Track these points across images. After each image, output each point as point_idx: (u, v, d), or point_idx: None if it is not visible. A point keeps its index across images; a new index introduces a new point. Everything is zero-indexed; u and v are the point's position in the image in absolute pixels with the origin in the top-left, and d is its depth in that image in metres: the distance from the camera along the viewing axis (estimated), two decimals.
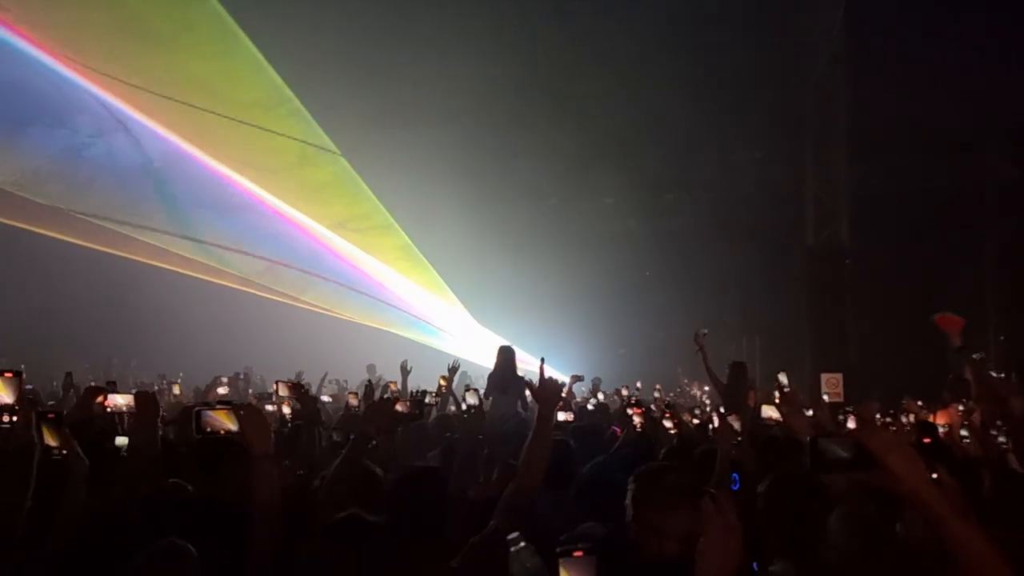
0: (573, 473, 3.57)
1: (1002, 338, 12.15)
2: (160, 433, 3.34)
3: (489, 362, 8.06)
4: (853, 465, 1.61)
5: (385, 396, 6.16)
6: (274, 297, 15.92)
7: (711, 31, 11.41)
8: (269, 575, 2.38)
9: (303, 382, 7.06)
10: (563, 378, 8.35)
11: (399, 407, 3.51)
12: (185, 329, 14.26)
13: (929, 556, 2.21)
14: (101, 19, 11.25)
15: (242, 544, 2.42)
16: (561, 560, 1.70)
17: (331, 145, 13.78)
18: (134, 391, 4.31)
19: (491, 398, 7.28)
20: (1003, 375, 5.47)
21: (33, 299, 13.52)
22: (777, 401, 4.44)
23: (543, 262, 14.72)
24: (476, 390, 4.94)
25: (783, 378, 6.97)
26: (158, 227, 14.09)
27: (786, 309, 13.32)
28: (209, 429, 2.76)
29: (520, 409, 7.33)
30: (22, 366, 6.48)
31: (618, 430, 4.94)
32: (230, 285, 15.39)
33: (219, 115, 12.82)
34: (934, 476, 2.10)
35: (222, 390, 8.19)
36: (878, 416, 6.11)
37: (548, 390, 2.82)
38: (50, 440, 2.67)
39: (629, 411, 4.71)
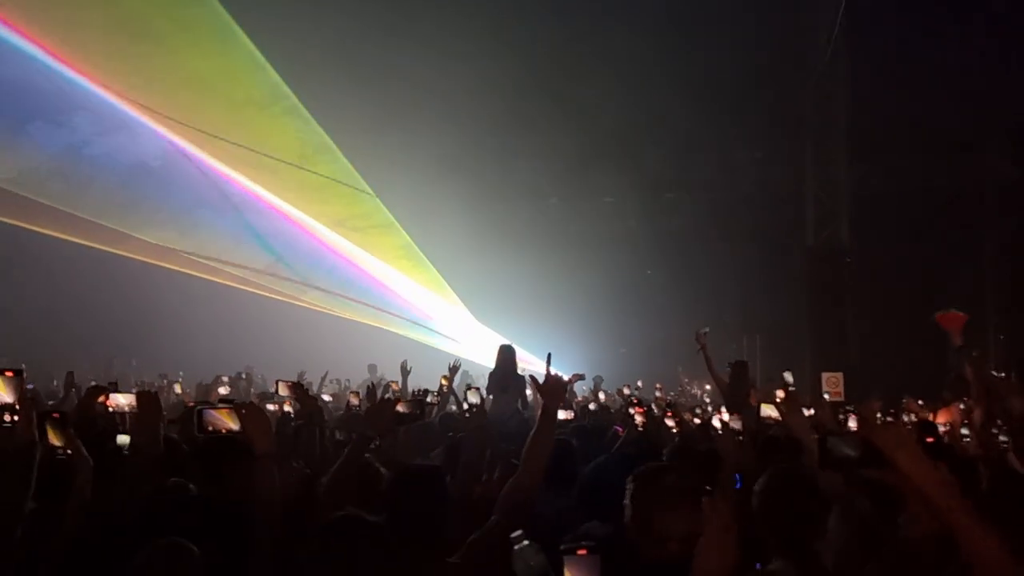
0: (575, 472, 3.57)
1: (1002, 337, 12.16)
2: (162, 432, 3.34)
3: (490, 361, 8.07)
4: (861, 463, 1.62)
5: (387, 396, 6.18)
6: (275, 296, 15.93)
7: (711, 31, 11.41)
8: (270, 574, 2.39)
9: (304, 382, 7.07)
10: (564, 377, 8.36)
11: (400, 407, 3.52)
12: (186, 328, 14.26)
13: (929, 556, 2.21)
14: (99, 17, 11.25)
15: (244, 543, 2.43)
16: (565, 558, 1.70)
17: (332, 145, 13.79)
18: (134, 390, 4.33)
19: (491, 397, 7.29)
20: (1003, 374, 5.48)
21: (33, 298, 13.53)
22: (779, 400, 4.45)
23: (543, 261, 14.73)
24: (478, 389, 4.95)
25: (788, 376, 6.99)
26: (158, 226, 14.10)
27: (786, 309, 13.33)
28: (211, 428, 2.77)
29: (520, 408, 7.34)
30: (23, 365, 6.48)
31: (620, 430, 4.94)
32: (231, 284, 15.40)
33: (220, 114, 12.83)
34: None
35: (223, 390, 8.19)
36: (879, 415, 6.11)
37: (552, 387, 2.82)
38: (54, 440, 2.68)
39: (631, 410, 4.72)
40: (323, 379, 9.57)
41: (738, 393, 7.03)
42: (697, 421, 5.74)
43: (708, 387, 11.17)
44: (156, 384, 9.71)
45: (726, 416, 4.94)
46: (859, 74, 11.93)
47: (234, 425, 2.70)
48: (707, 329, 7.72)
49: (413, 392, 6.38)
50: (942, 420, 5.57)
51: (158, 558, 2.21)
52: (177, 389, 8.92)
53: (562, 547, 1.73)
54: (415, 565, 2.33)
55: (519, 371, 7.69)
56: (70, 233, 13.27)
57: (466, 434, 3.73)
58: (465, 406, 4.49)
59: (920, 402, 6.67)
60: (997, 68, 10.98)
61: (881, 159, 13.10)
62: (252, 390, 9.31)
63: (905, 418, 5.97)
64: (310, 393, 5.19)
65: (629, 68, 12.04)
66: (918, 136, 12.28)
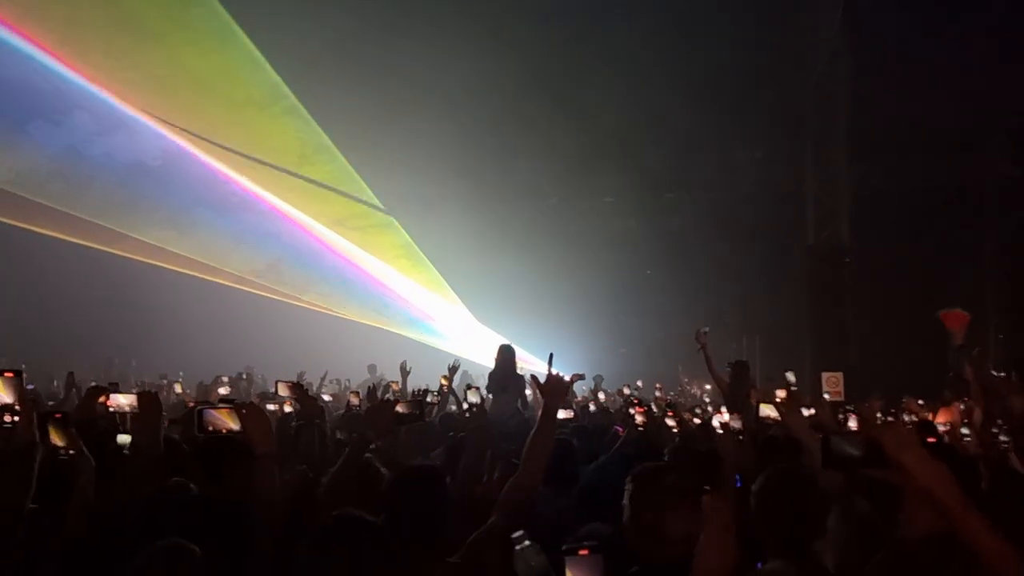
0: (575, 472, 3.57)
1: (1001, 337, 12.15)
2: (163, 433, 3.34)
3: (489, 361, 8.07)
4: (865, 462, 1.62)
5: (387, 396, 6.18)
6: (275, 296, 15.93)
7: (711, 30, 11.41)
8: (270, 574, 2.38)
9: (303, 382, 7.07)
10: (566, 378, 8.35)
11: (400, 408, 3.52)
12: (185, 329, 14.26)
13: (928, 556, 2.21)
14: (98, 17, 11.25)
15: (244, 543, 2.43)
16: (567, 558, 1.70)
17: (331, 145, 13.80)
18: (135, 391, 4.33)
19: (491, 396, 7.30)
20: (1003, 374, 5.48)
21: (33, 299, 13.53)
22: (779, 400, 4.45)
23: (543, 261, 14.73)
24: (477, 388, 4.95)
25: (791, 376, 6.99)
26: (157, 226, 14.09)
27: (786, 309, 13.33)
28: (211, 428, 2.77)
29: (520, 407, 7.34)
30: (23, 365, 6.48)
31: (620, 430, 4.94)
32: (231, 284, 15.40)
33: (218, 112, 12.83)
34: None
35: (223, 390, 8.19)
36: (879, 415, 6.11)
37: (554, 387, 2.82)
38: (57, 440, 2.68)
39: (631, 410, 4.72)
40: (323, 379, 9.58)
41: (738, 393, 7.03)
42: (697, 421, 5.74)
43: (708, 387, 11.17)
44: (156, 384, 9.71)
45: (726, 416, 4.94)
46: (859, 74, 11.92)
47: (234, 425, 2.70)
48: (707, 329, 7.72)
49: (413, 392, 6.38)
50: (942, 419, 5.57)
51: (159, 558, 2.21)
52: (177, 389, 8.92)
53: (564, 547, 1.72)
54: (415, 565, 2.32)
55: (519, 371, 7.69)
56: (69, 233, 13.28)
57: (467, 434, 3.72)
58: (465, 406, 4.49)
59: (920, 402, 6.67)
60: (997, 67, 10.98)
61: (881, 159, 13.09)
62: (253, 390, 9.31)
63: (906, 418, 5.97)
64: (310, 393, 5.19)
65: (629, 68, 12.04)
66: (918, 136, 12.27)
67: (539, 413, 2.80)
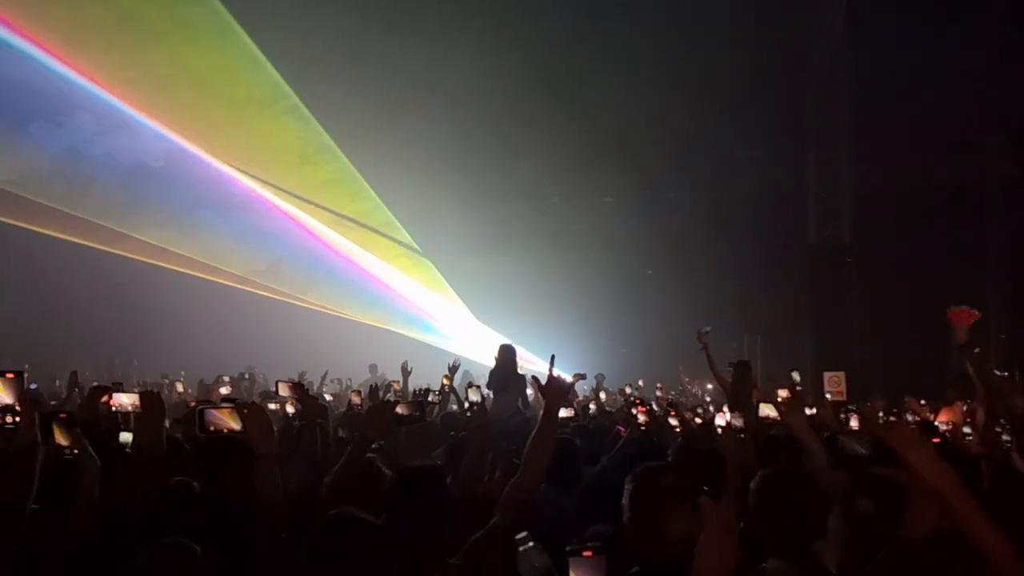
0: (577, 472, 3.57)
1: (1003, 337, 12.13)
2: (166, 432, 3.34)
3: (490, 360, 8.07)
4: (872, 461, 1.61)
5: (388, 396, 6.18)
6: (276, 296, 15.94)
7: (712, 30, 11.41)
8: (271, 574, 2.38)
9: (304, 381, 7.07)
10: (566, 377, 8.35)
11: (400, 409, 3.51)
12: (187, 328, 14.27)
13: (930, 556, 2.21)
14: (98, 16, 11.25)
15: (245, 543, 2.43)
16: (570, 560, 1.70)
17: (332, 145, 13.80)
18: (137, 390, 4.33)
19: (492, 395, 7.29)
20: (1006, 373, 5.47)
21: (35, 299, 13.54)
22: (781, 399, 4.44)
23: (544, 261, 14.74)
24: (479, 387, 4.95)
25: (796, 376, 6.98)
26: (159, 226, 14.10)
27: (787, 308, 13.32)
28: (212, 428, 2.77)
29: (521, 407, 7.33)
30: (26, 366, 6.49)
31: (622, 429, 4.94)
32: (232, 284, 15.41)
33: (219, 112, 12.83)
34: None
35: (224, 390, 8.19)
36: (880, 415, 6.10)
37: (555, 388, 2.82)
38: (61, 440, 2.68)
39: (633, 410, 4.72)
40: (323, 378, 9.57)
41: (741, 392, 7.02)
42: (698, 421, 5.74)
43: (710, 386, 11.17)
44: (157, 384, 9.71)
45: (729, 415, 4.94)
46: (860, 73, 11.92)
47: (235, 425, 2.70)
48: (709, 328, 7.71)
49: (414, 391, 6.37)
50: (944, 419, 5.56)
51: (160, 557, 2.21)
52: (179, 388, 8.92)
53: (567, 548, 1.72)
54: (416, 566, 2.32)
55: (519, 371, 7.69)
56: (71, 234, 13.29)
57: (468, 434, 3.72)
58: (466, 404, 4.49)
59: (922, 402, 6.66)
60: (999, 66, 10.97)
61: (882, 158, 13.06)
62: (255, 390, 9.31)
63: (910, 417, 5.97)
64: (311, 393, 5.19)
65: (630, 67, 12.05)
66: (919, 135, 12.25)
67: (540, 413, 2.80)
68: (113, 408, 3.72)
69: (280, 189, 14.74)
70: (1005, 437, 4.14)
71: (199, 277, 14.93)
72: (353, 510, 2.13)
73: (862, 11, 11.31)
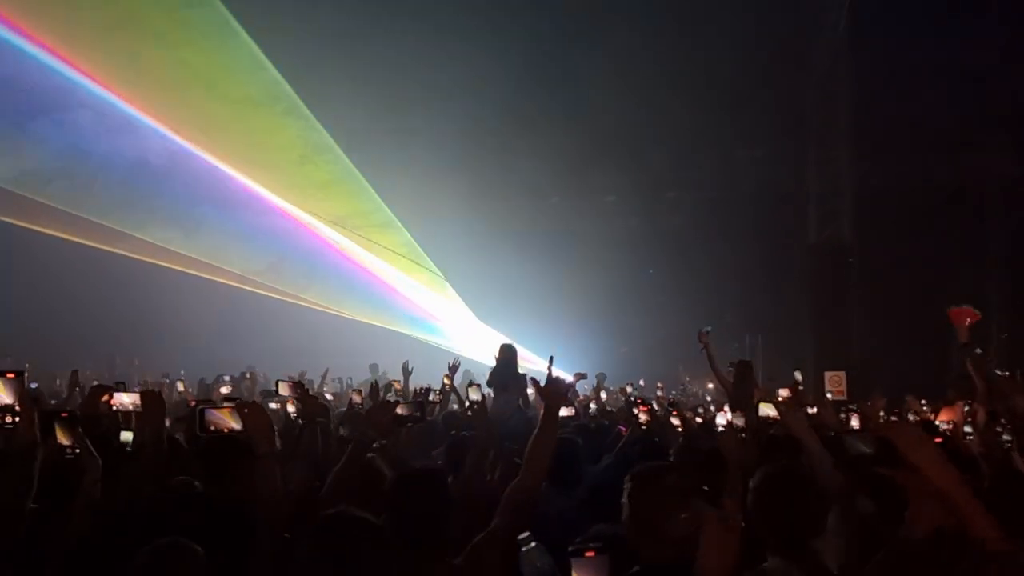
0: (579, 471, 3.57)
1: (1005, 336, 12.13)
2: (167, 432, 3.35)
3: (491, 360, 8.07)
4: (876, 461, 1.61)
5: (389, 395, 6.19)
6: (277, 296, 15.94)
7: (714, 29, 11.41)
8: (271, 574, 2.38)
9: (304, 381, 7.06)
10: (566, 376, 8.36)
11: (401, 409, 3.51)
12: (187, 327, 14.28)
13: (930, 555, 2.21)
14: (97, 14, 11.24)
15: (245, 543, 2.43)
16: (573, 560, 1.70)
17: (332, 143, 13.80)
18: (137, 389, 4.33)
19: (492, 394, 7.29)
20: (1007, 373, 5.47)
21: (36, 298, 13.54)
22: (782, 399, 4.44)
23: (544, 260, 14.73)
24: (479, 385, 4.96)
25: (798, 376, 6.98)
26: (159, 225, 14.10)
27: (788, 308, 13.32)
28: (213, 428, 2.77)
29: (522, 406, 7.32)
30: (26, 365, 6.49)
31: (623, 429, 4.94)
32: (233, 284, 15.41)
33: (220, 111, 12.83)
34: None
35: (225, 389, 8.19)
36: (881, 414, 6.10)
37: (554, 390, 2.82)
38: (63, 439, 2.68)
39: (635, 410, 4.72)
40: (323, 377, 9.57)
41: (742, 392, 7.01)
42: (699, 420, 5.74)
43: (711, 385, 11.16)
44: (158, 383, 9.71)
45: (730, 415, 4.94)
46: (861, 73, 11.92)
47: (235, 425, 2.70)
48: (710, 328, 7.71)
49: (414, 391, 6.38)
50: (945, 418, 5.55)
51: (160, 557, 2.21)
52: (180, 388, 8.93)
53: (570, 549, 1.72)
54: (417, 567, 2.32)
55: (520, 370, 7.68)
56: (71, 233, 13.29)
57: (470, 434, 3.72)
58: (467, 403, 4.49)
59: (923, 401, 6.65)
60: (999, 66, 10.96)
61: (883, 158, 13.08)
62: (256, 390, 9.32)
63: (911, 417, 5.96)
64: (311, 392, 5.18)
65: (631, 67, 12.04)
66: (920, 135, 12.26)
67: (540, 413, 2.80)
68: (114, 407, 3.72)
69: (280, 188, 14.74)
70: (1006, 437, 4.14)
71: (200, 276, 14.93)
72: (351, 509, 2.12)
73: (862, 11, 11.31)
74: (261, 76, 12.53)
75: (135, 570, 2.16)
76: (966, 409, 5.13)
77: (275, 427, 2.76)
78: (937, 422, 5.52)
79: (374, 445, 3.15)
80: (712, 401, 10.04)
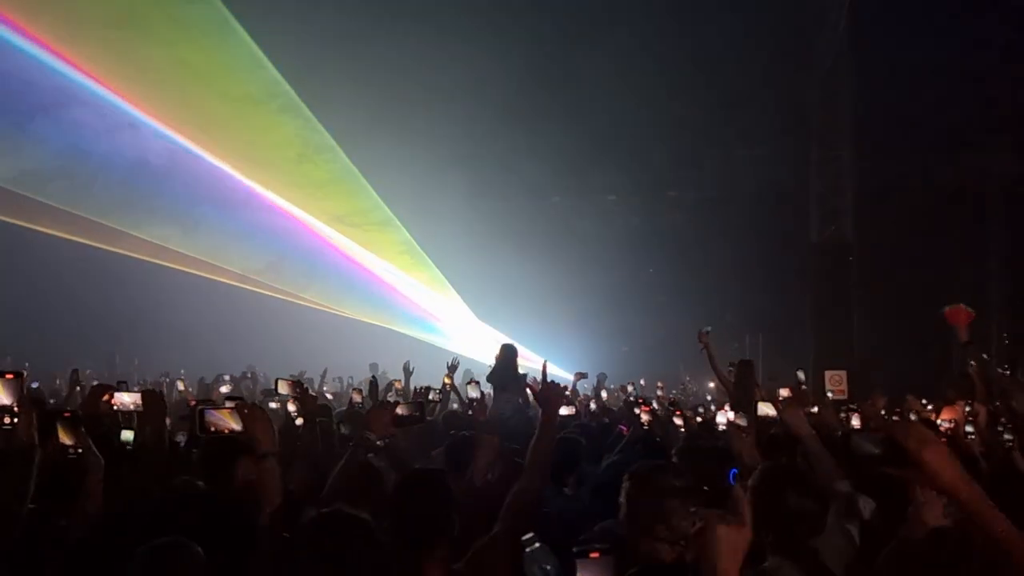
0: (582, 471, 3.56)
1: (1006, 335, 12.14)
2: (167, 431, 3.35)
3: (491, 359, 8.07)
4: (883, 460, 1.59)
5: (389, 395, 6.18)
6: (277, 295, 15.94)
7: (714, 29, 11.40)
8: (271, 574, 2.38)
9: (303, 380, 7.06)
10: (566, 376, 8.36)
11: (400, 409, 3.50)
12: (188, 327, 14.28)
13: (932, 555, 2.20)
14: (96, 13, 11.23)
15: (246, 543, 2.42)
16: (578, 561, 1.69)
17: (332, 143, 13.79)
18: (137, 388, 4.32)
19: (492, 393, 7.29)
20: (1008, 372, 5.46)
21: (36, 298, 13.54)
22: (782, 398, 4.43)
23: (545, 259, 14.73)
24: (478, 383, 4.96)
25: (801, 375, 6.97)
26: (158, 224, 14.10)
27: (789, 307, 13.32)
28: (213, 428, 2.76)
29: (522, 405, 7.31)
30: (26, 364, 6.49)
31: (624, 429, 4.93)
32: (233, 283, 15.41)
33: (219, 110, 12.82)
34: None
35: (225, 388, 8.18)
36: (882, 413, 6.10)
37: (550, 394, 2.82)
38: (65, 439, 2.67)
39: (636, 410, 4.71)
40: (323, 375, 9.56)
41: (743, 392, 7.00)
42: (699, 420, 5.73)
43: (711, 385, 11.16)
44: (158, 382, 9.71)
45: (731, 414, 4.93)
46: (864, 71, 11.91)
47: (236, 425, 2.69)
48: (710, 328, 7.70)
49: (415, 391, 6.37)
50: (946, 417, 5.54)
51: (160, 557, 2.20)
52: (180, 387, 8.91)
53: (575, 550, 1.71)
54: (417, 566, 2.32)
55: (521, 370, 7.66)
56: (71, 232, 13.28)
57: (470, 434, 3.71)
58: (466, 401, 4.48)
59: (924, 401, 6.64)
60: (999, 66, 10.96)
61: (885, 157, 13.07)
62: (257, 389, 9.31)
63: (912, 416, 5.95)
64: (311, 391, 5.18)
65: (631, 66, 12.03)
66: (922, 133, 12.26)
67: (540, 413, 2.80)
68: (114, 407, 3.72)
69: (279, 187, 14.74)
70: (1007, 436, 4.13)
71: (199, 275, 14.93)
72: (344, 507, 2.12)
73: (862, 11, 11.30)
74: (260, 75, 12.52)
75: (135, 570, 2.16)
76: (967, 409, 5.12)
77: (275, 427, 2.75)
78: (938, 421, 5.51)
79: (378, 443, 3.15)
80: (713, 400, 10.04)
